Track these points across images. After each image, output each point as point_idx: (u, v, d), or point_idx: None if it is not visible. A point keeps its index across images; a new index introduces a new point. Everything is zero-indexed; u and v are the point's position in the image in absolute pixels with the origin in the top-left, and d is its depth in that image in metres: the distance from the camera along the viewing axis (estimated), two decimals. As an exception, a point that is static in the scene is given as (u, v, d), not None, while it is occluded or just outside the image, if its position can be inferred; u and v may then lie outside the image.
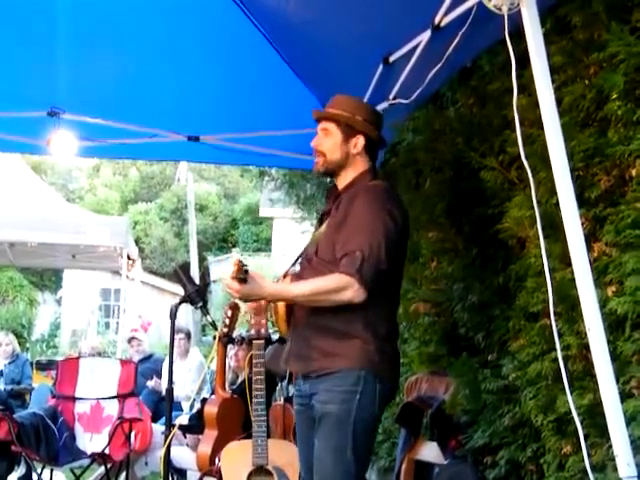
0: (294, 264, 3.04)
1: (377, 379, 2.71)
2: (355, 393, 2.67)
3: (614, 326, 2.70)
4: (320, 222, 3.00)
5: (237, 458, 3.79)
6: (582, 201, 2.76)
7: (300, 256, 3.01)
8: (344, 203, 2.85)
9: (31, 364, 8.58)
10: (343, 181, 2.92)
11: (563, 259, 2.74)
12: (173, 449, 3.67)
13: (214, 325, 3.05)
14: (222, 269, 19.89)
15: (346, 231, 2.73)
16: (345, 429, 2.68)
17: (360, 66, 3.78)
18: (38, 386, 7.57)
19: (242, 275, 2.57)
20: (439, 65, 3.16)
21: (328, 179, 3.06)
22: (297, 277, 2.87)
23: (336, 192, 2.96)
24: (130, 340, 7.92)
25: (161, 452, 3.13)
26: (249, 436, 3.79)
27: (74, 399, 5.60)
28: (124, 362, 6.00)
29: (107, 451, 5.06)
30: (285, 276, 2.95)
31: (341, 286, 2.63)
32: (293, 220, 8.67)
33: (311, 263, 2.85)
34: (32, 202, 9.67)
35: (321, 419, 2.75)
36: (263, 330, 3.88)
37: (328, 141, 2.87)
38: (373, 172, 2.92)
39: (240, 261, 2.58)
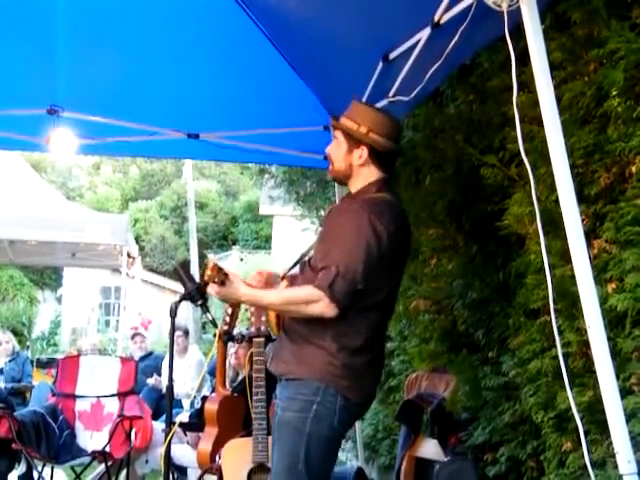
0: (293, 267, 3.04)
1: (339, 394, 2.65)
2: (312, 403, 2.64)
3: (614, 323, 2.70)
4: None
5: (237, 456, 3.79)
6: (582, 198, 2.75)
7: (299, 260, 3.02)
8: (337, 212, 2.85)
9: (31, 362, 8.58)
10: (353, 189, 2.88)
11: (563, 256, 2.74)
12: (174, 447, 3.68)
13: (214, 323, 3.04)
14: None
15: (328, 243, 2.72)
16: (299, 439, 2.64)
17: (360, 63, 3.78)
18: (38, 384, 7.58)
19: (219, 278, 2.58)
20: (439, 62, 3.15)
21: (327, 176, 3.05)
22: (291, 281, 2.87)
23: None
24: (133, 336, 7.94)
25: (162, 450, 3.13)
26: (249, 434, 3.79)
27: (74, 397, 5.61)
28: (124, 360, 6.01)
29: (107, 449, 5.05)
30: (284, 278, 2.96)
31: (311, 299, 2.60)
32: (293, 217, 8.68)
33: (304, 270, 2.84)
34: (32, 200, 9.68)
35: (279, 426, 2.74)
36: (263, 328, 3.88)
37: (336, 150, 2.85)
38: (382, 183, 2.82)
39: (215, 265, 2.60)
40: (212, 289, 2.64)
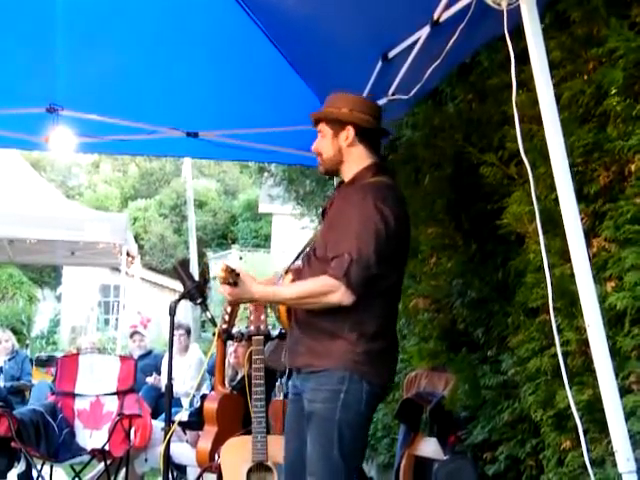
0: (295, 260, 3.04)
1: (364, 379, 2.70)
2: (339, 392, 2.67)
3: (613, 322, 2.70)
4: (323, 218, 3.00)
5: (237, 454, 3.79)
6: (581, 197, 2.75)
7: (302, 252, 3.02)
8: (339, 201, 2.85)
9: (31, 361, 8.59)
10: (347, 177, 2.90)
11: (562, 255, 2.74)
12: (173, 445, 3.68)
13: (213, 321, 3.04)
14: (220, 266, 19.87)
15: (337, 231, 2.73)
16: (330, 428, 2.68)
17: (359, 62, 3.77)
18: (38, 383, 7.58)
19: (232, 279, 2.61)
20: (438, 61, 3.15)
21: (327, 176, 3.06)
22: (297, 274, 2.88)
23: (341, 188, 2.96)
24: (132, 335, 7.94)
25: (161, 448, 3.13)
26: (249, 432, 3.80)
27: (74, 395, 5.61)
28: (124, 358, 6.01)
29: (107, 447, 5.06)
30: (287, 272, 2.96)
31: (328, 290, 2.63)
32: (292, 216, 8.67)
33: (310, 262, 2.85)
34: (31, 199, 9.67)
35: (309, 417, 2.76)
36: (262, 326, 3.88)
37: (322, 141, 2.88)
38: (377, 167, 2.86)
39: (227, 266, 2.61)
40: (225, 291, 2.65)
